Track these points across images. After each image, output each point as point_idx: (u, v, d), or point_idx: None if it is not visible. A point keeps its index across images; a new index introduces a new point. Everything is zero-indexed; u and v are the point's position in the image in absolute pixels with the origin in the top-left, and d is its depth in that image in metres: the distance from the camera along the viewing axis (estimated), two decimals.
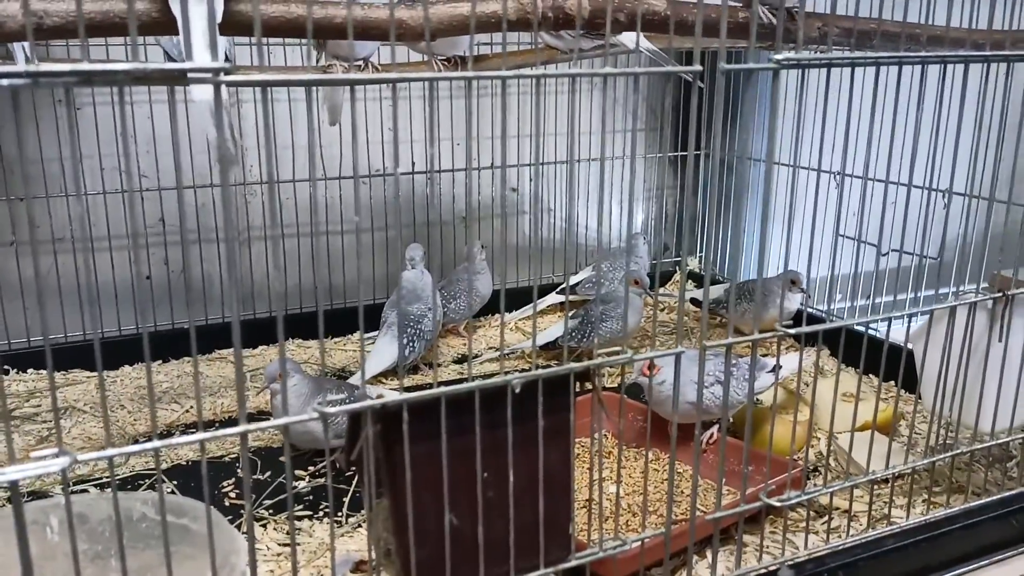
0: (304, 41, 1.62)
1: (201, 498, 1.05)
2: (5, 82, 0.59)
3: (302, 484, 1.36)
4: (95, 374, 1.76)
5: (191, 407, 1.63)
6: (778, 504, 0.99)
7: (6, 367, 1.76)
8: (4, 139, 1.73)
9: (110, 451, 0.68)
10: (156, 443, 0.69)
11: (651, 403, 1.31)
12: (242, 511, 1.28)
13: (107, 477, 1.37)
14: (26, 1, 1.01)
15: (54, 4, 1.02)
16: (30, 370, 1.75)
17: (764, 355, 1.63)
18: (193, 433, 0.70)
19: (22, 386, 1.70)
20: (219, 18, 1.04)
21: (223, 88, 0.64)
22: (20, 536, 0.68)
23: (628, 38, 1.29)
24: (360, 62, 1.51)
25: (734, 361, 1.36)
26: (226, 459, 1.44)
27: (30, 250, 1.79)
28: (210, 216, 1.90)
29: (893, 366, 1.14)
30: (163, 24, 1.02)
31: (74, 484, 1.35)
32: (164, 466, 1.40)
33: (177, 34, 1.09)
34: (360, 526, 1.25)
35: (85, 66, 0.60)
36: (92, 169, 1.79)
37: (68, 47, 1.70)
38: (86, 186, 1.78)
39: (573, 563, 0.88)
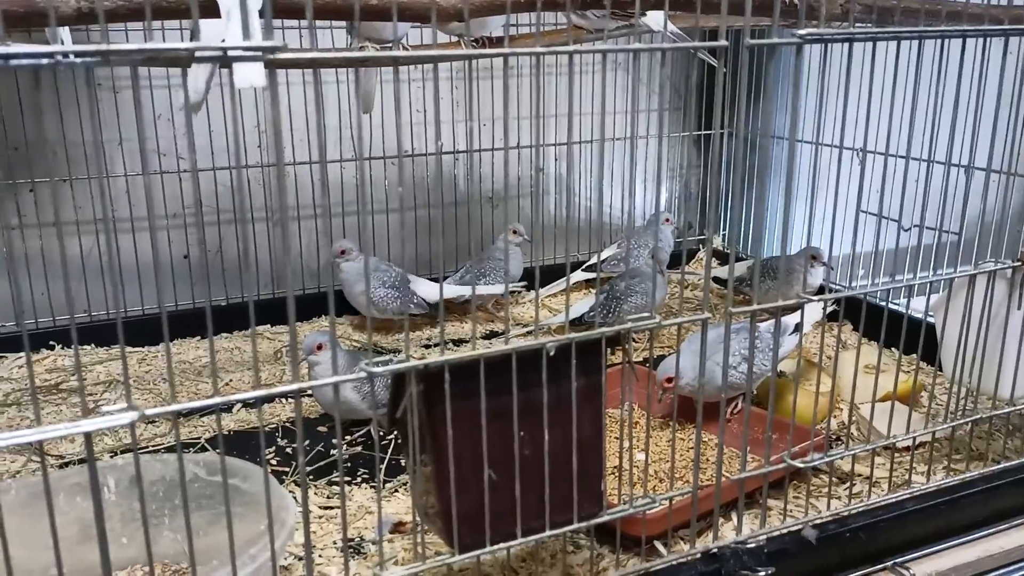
0: (335, 24, 1.66)
1: (247, 462, 1.11)
2: (79, 60, 0.63)
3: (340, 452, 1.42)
4: (137, 348, 1.82)
5: (230, 380, 1.69)
6: (801, 465, 1.02)
7: (51, 342, 1.82)
8: (68, 123, 1.79)
9: (175, 406, 0.73)
10: (217, 399, 0.74)
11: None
12: (283, 477, 1.33)
13: (152, 446, 1.43)
14: None
15: None
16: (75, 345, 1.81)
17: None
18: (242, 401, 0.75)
19: (67, 360, 1.77)
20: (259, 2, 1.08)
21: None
22: (93, 486, 0.73)
23: (653, 19, 1.32)
24: (391, 43, 1.55)
25: (756, 332, 1.39)
26: (267, 429, 1.50)
27: (75, 231, 1.85)
28: (248, 196, 1.95)
29: (914, 339, 1.17)
30: (210, 7, 1.07)
31: (121, 452, 1.41)
32: (208, 434, 1.46)
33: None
34: (397, 491, 1.30)
35: (148, 46, 0.65)
36: (131, 152, 1.84)
37: (107, 32, 1.75)
38: (128, 167, 1.84)
39: (605, 518, 0.92)
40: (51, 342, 1.82)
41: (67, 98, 1.78)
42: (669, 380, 1.33)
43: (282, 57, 0.69)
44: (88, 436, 0.71)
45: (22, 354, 1.77)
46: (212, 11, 1.11)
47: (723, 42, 0.85)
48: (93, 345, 1.84)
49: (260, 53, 0.68)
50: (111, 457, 1.38)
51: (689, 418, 1.42)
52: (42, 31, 1.40)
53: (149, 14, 0.96)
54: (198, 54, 0.65)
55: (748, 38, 0.88)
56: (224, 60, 0.68)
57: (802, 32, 0.89)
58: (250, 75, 0.70)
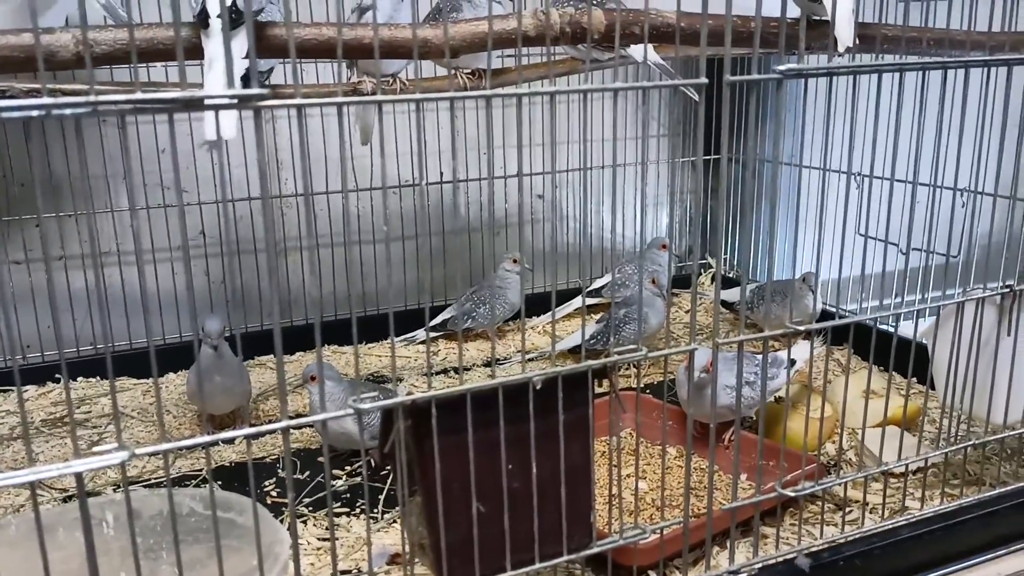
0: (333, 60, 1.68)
1: (243, 496, 1.12)
2: (68, 111, 0.65)
3: (339, 483, 1.43)
4: (141, 381, 1.84)
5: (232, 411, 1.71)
6: (792, 494, 1.03)
7: (56, 375, 1.84)
8: (53, 159, 1.82)
9: (164, 445, 0.74)
10: (207, 438, 0.75)
11: (691, 400, 1.35)
12: (283, 508, 1.34)
13: (154, 479, 1.44)
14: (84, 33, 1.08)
15: (102, 33, 1.10)
16: (79, 378, 1.84)
17: (775, 350, 1.66)
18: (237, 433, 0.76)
19: (74, 393, 1.79)
20: (243, 52, 1.10)
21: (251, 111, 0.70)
22: (85, 525, 0.74)
23: (637, 51, 1.35)
24: (389, 78, 1.58)
25: (752, 359, 1.40)
26: (267, 460, 1.51)
27: (80, 264, 1.88)
28: (247, 228, 1.98)
29: (918, 363, 1.17)
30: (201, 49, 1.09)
31: (118, 487, 1.43)
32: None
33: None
34: (394, 522, 1.31)
35: (139, 95, 0.67)
36: (135, 185, 1.87)
37: (112, 70, 1.79)
38: (136, 201, 1.87)
39: (595, 550, 0.93)
40: (57, 375, 1.84)
41: (72, 134, 1.82)
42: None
43: (267, 104, 0.71)
44: (79, 476, 0.72)
45: (26, 388, 1.79)
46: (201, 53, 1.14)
47: (703, 79, 0.87)
48: (98, 378, 1.85)
49: (248, 100, 0.70)
50: (113, 491, 1.40)
51: (681, 443, 1.42)
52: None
53: (135, 58, 0.99)
54: (196, 101, 0.67)
55: (728, 74, 0.89)
56: (212, 108, 0.70)
57: (782, 68, 0.90)
58: (223, 126, 0.72)
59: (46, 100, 0.65)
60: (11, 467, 1.51)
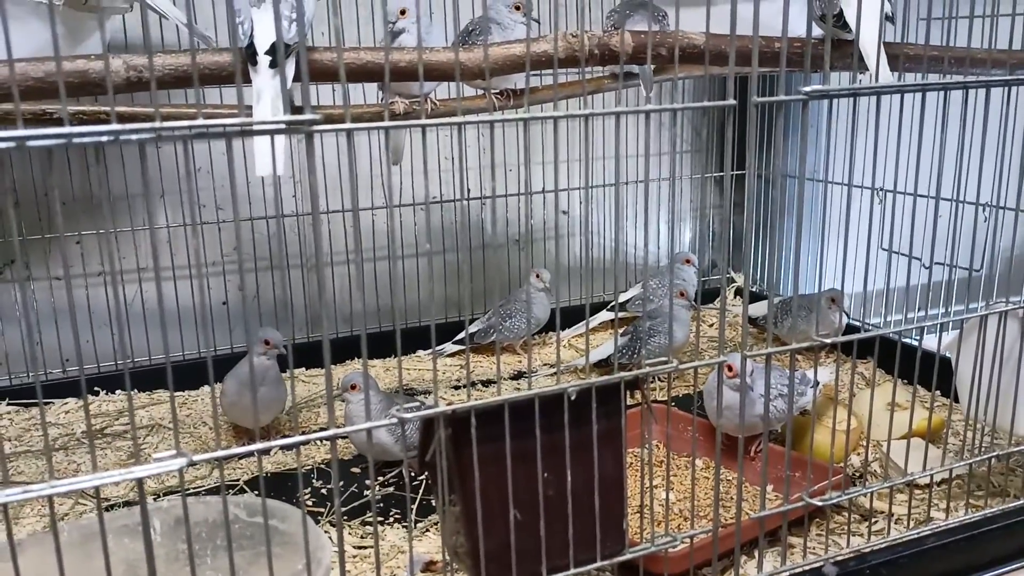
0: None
1: (284, 503, 1.16)
2: (134, 137, 0.70)
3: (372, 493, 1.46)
4: (178, 393, 1.88)
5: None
6: (819, 504, 1.05)
7: (96, 388, 1.89)
8: (90, 180, 1.88)
9: (220, 452, 0.78)
10: (260, 445, 0.79)
11: (719, 411, 1.37)
12: (319, 517, 1.38)
13: (192, 488, 1.49)
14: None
15: (142, 59, 1.14)
16: (118, 391, 1.89)
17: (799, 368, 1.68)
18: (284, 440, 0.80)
19: (111, 406, 1.83)
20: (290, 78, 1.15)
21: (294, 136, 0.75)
22: (145, 528, 0.78)
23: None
24: (420, 98, 1.62)
25: (782, 373, 1.43)
26: (303, 470, 1.55)
27: (119, 280, 1.93)
28: (280, 244, 2.03)
29: (941, 376, 1.20)
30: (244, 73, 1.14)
31: (164, 494, 1.47)
32: (245, 477, 1.51)
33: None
34: (428, 530, 1.34)
35: (200, 121, 0.71)
36: (173, 204, 1.93)
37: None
38: (172, 218, 1.92)
39: (627, 556, 0.96)
40: (96, 388, 1.89)
41: (111, 153, 1.87)
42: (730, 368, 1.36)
43: (319, 129, 0.75)
44: (140, 482, 0.76)
45: (67, 400, 1.84)
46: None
47: (731, 101, 0.90)
48: (136, 391, 1.90)
49: (300, 125, 0.74)
50: (155, 499, 1.44)
51: (710, 455, 1.45)
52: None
53: (197, 80, 1.03)
54: (247, 128, 0.71)
55: (755, 95, 0.93)
56: (268, 132, 0.74)
57: (808, 89, 0.93)
58: (279, 158, 0.76)
59: (115, 127, 0.69)
60: (57, 477, 1.55)
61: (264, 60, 1.08)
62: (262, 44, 1.09)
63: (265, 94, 1.07)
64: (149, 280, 1.94)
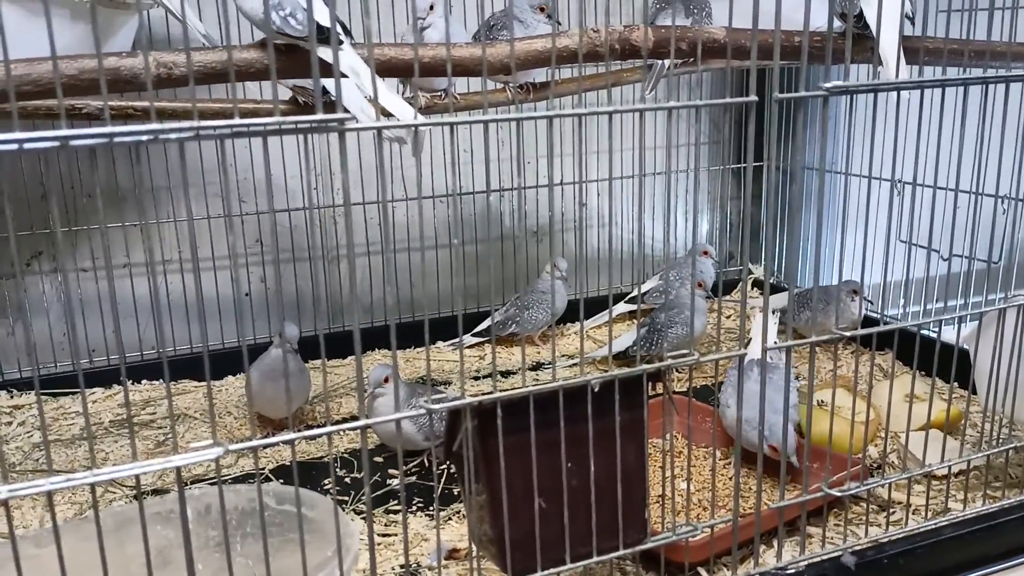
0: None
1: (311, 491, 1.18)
2: (173, 136, 0.72)
3: (395, 482, 1.49)
4: (203, 384, 1.91)
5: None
6: (838, 494, 1.07)
7: (120, 378, 1.92)
8: (118, 172, 1.91)
9: (256, 442, 0.80)
10: (292, 435, 0.81)
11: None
12: (343, 505, 1.41)
13: (221, 478, 1.51)
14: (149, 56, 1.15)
15: (180, 56, 1.16)
16: (144, 381, 1.92)
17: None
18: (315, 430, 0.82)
19: (137, 396, 1.87)
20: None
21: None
22: (183, 515, 0.81)
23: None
24: (440, 92, 1.64)
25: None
26: (325, 459, 1.57)
27: (144, 271, 1.96)
28: (301, 237, 2.05)
29: (959, 368, 1.21)
30: (285, 70, 1.16)
31: (191, 483, 1.50)
32: (271, 466, 1.54)
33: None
34: (451, 519, 1.36)
35: (237, 121, 0.73)
36: (197, 196, 1.95)
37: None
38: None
39: (649, 544, 0.98)
40: (120, 378, 1.91)
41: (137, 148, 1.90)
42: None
43: (351, 128, 0.77)
44: (178, 470, 0.79)
45: (94, 390, 1.88)
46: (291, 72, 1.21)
47: (753, 97, 0.92)
48: (160, 380, 1.93)
49: (331, 123, 0.76)
50: (216, 477, 1.47)
51: (730, 446, 1.46)
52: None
53: (233, 76, 1.05)
54: (284, 127, 0.73)
55: (776, 91, 0.94)
56: (303, 131, 0.76)
57: (828, 85, 0.94)
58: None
59: (155, 126, 0.71)
60: (85, 467, 1.59)
61: (347, 40, 1.09)
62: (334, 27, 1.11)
63: (364, 71, 1.08)
64: (174, 272, 1.97)
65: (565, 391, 0.91)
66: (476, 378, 1.98)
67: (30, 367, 1.91)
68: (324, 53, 0.94)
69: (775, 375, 1.27)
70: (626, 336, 1.99)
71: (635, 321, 2.24)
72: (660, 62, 1.48)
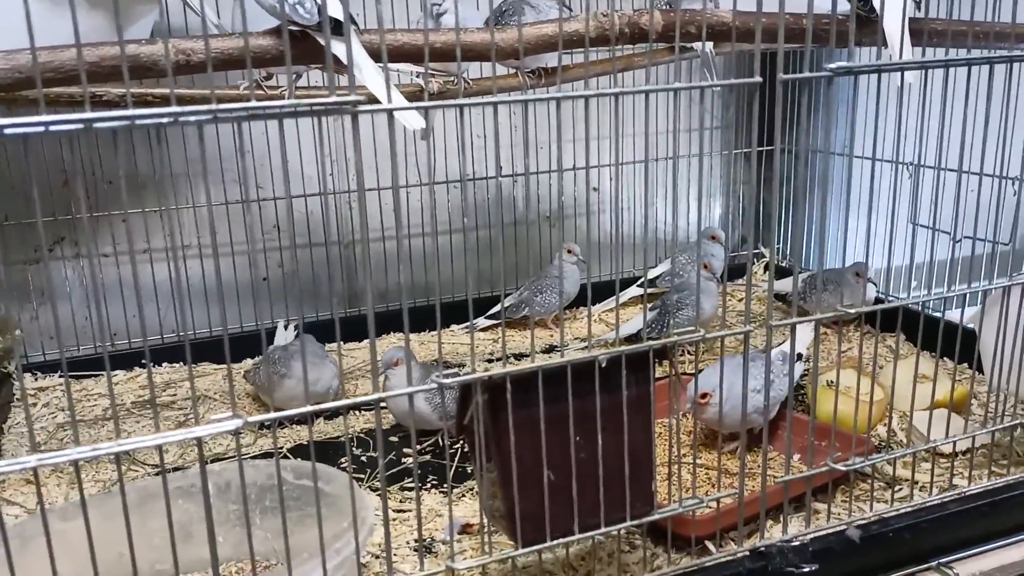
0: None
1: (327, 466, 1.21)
2: (192, 119, 0.75)
3: (410, 460, 1.52)
4: (221, 366, 1.95)
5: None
6: (843, 468, 1.09)
7: (142, 361, 1.97)
8: (139, 159, 1.94)
9: (273, 415, 0.83)
10: (309, 408, 0.84)
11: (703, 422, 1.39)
12: (359, 482, 1.44)
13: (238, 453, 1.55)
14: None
15: (198, 43, 1.19)
16: (164, 364, 1.96)
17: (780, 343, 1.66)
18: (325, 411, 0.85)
19: (158, 378, 1.91)
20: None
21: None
22: (204, 487, 0.84)
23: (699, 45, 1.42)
24: (453, 77, 1.66)
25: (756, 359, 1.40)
26: (341, 439, 1.61)
27: (164, 256, 1.99)
28: (317, 223, 2.08)
29: (966, 347, 1.22)
30: (299, 57, 1.19)
31: (211, 460, 1.54)
32: (288, 445, 1.58)
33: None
34: (464, 496, 1.39)
35: (254, 104, 0.76)
36: (215, 183, 1.99)
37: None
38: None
39: (656, 516, 1.00)
40: (143, 361, 1.96)
41: (149, 134, 1.94)
42: (704, 396, 1.34)
43: (363, 110, 0.79)
44: (199, 440, 0.82)
45: (116, 372, 1.92)
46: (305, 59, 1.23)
47: (757, 78, 0.93)
48: (181, 363, 1.97)
49: (345, 105, 0.79)
50: (235, 448, 1.50)
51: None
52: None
53: (249, 63, 1.07)
54: (299, 109, 0.76)
55: (781, 72, 0.95)
56: (316, 114, 0.78)
57: (833, 66, 0.96)
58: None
59: (175, 108, 0.74)
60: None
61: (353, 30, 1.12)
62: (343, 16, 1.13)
63: (367, 64, 1.10)
64: (193, 257, 2.00)
65: (573, 367, 0.93)
66: (489, 360, 2.00)
67: (55, 350, 1.95)
68: (337, 44, 0.96)
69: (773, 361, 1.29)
70: (636, 320, 2.01)
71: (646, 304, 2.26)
72: (706, 48, 1.49)
